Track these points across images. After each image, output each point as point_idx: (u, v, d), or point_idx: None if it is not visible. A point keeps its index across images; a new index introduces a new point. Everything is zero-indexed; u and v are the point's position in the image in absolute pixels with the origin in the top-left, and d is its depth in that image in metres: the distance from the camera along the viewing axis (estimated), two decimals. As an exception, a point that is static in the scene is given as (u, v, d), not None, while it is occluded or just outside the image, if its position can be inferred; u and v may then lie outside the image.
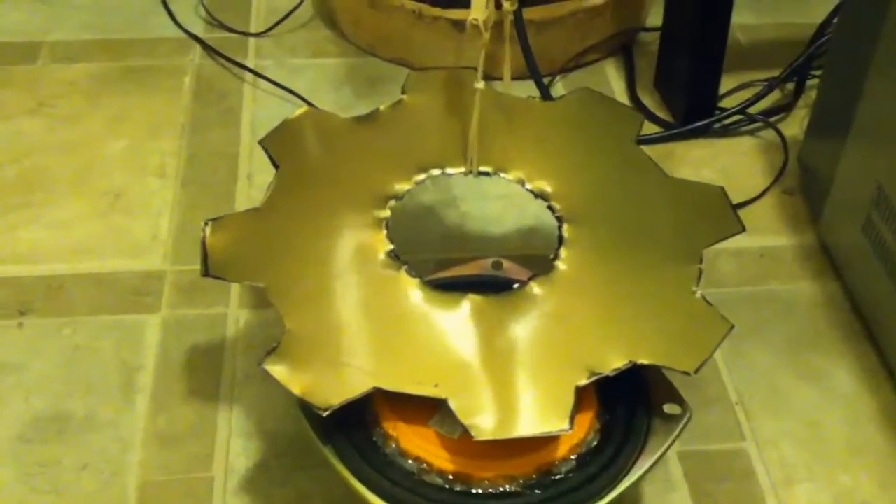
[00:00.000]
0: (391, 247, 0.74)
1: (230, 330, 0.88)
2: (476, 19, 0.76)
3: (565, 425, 0.63)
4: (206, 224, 0.72)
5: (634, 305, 0.71)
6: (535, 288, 0.72)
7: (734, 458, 0.80)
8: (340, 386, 0.65)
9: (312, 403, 0.64)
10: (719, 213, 0.77)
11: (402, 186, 0.78)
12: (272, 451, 0.79)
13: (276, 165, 0.78)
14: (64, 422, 0.81)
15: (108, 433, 0.80)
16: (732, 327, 0.70)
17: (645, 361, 0.67)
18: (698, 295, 0.71)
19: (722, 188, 0.79)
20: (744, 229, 0.76)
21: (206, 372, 0.85)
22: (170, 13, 1.25)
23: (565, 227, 0.76)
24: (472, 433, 0.63)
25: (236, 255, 0.72)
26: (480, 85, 0.79)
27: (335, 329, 0.69)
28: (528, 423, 0.64)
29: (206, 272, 0.70)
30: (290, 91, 1.13)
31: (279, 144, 0.79)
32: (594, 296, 0.72)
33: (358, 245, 0.74)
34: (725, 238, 0.76)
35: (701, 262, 0.73)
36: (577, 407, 0.65)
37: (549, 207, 0.78)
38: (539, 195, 0.79)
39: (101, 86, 1.14)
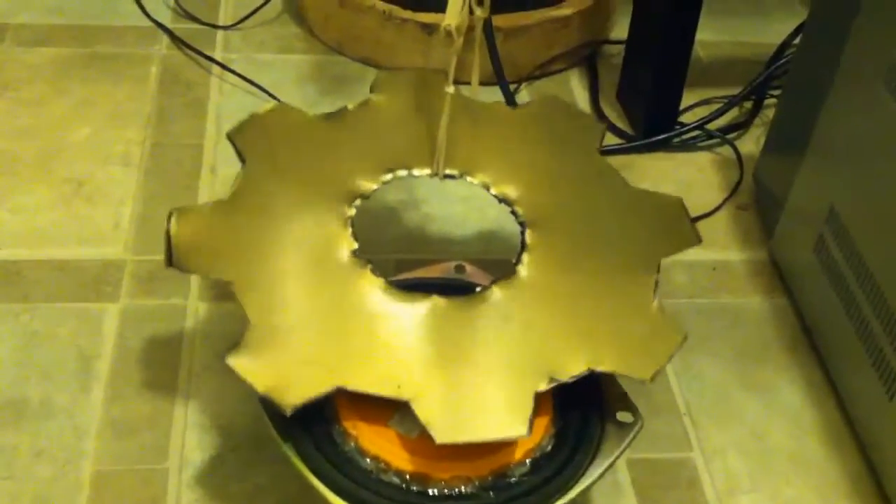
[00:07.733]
0: (356, 246, 0.74)
1: (189, 321, 0.88)
2: (450, 25, 0.77)
3: (524, 431, 0.64)
4: (171, 214, 0.72)
5: (594, 313, 0.73)
6: (498, 292, 0.73)
7: (681, 467, 0.82)
8: (303, 384, 0.66)
9: (276, 402, 0.65)
10: (677, 224, 0.79)
11: (368, 185, 0.79)
12: (228, 445, 0.79)
13: (242, 159, 0.78)
14: (20, 408, 0.80)
15: (64, 420, 0.80)
16: (686, 338, 0.71)
17: (603, 369, 0.68)
18: (655, 304, 0.73)
19: (680, 199, 0.80)
20: (700, 241, 0.78)
21: (163, 363, 0.85)
22: (138, 1, 1.24)
23: (528, 232, 0.77)
24: (434, 436, 0.64)
25: (201, 247, 0.72)
26: (451, 89, 0.80)
27: (299, 326, 0.69)
28: (488, 428, 0.65)
29: (169, 262, 0.70)
30: (257, 85, 1.13)
31: (246, 138, 0.79)
32: (555, 302, 0.73)
33: (324, 242, 0.74)
34: (682, 249, 0.78)
35: (658, 271, 0.75)
36: (535, 412, 0.66)
37: (513, 213, 0.79)
38: (503, 200, 0.80)
39: (66, 71, 1.14)
